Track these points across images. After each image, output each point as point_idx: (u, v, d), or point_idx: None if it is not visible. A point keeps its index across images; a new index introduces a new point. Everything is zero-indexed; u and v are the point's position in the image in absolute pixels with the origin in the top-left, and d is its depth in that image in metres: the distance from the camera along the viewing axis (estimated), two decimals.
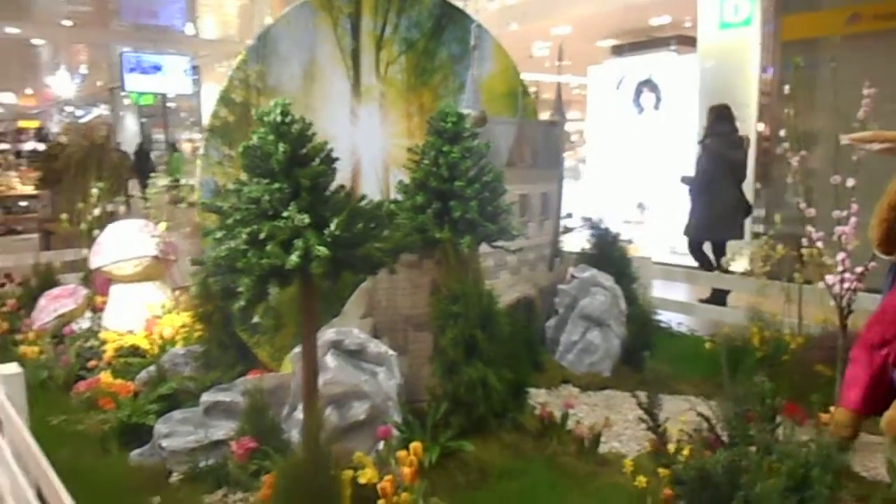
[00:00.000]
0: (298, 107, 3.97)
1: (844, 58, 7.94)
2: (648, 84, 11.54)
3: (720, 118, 6.08)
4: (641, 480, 2.62)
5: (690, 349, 5.05)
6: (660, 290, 6.59)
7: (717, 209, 5.65)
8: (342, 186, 2.66)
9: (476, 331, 3.40)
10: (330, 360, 3.48)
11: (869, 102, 2.60)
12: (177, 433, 3.40)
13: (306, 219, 2.38)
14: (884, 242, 2.17)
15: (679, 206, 10.66)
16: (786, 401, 3.38)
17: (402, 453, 2.76)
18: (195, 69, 18.29)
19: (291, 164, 2.52)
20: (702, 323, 6.00)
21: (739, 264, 4.46)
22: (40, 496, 2.39)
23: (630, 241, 11.80)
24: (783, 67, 8.65)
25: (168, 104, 19.96)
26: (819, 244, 2.97)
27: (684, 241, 10.77)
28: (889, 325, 2.15)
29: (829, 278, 2.89)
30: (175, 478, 3.26)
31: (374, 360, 3.54)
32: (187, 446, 3.31)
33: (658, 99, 11.47)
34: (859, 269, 2.79)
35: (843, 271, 2.80)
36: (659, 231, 11.50)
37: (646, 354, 4.32)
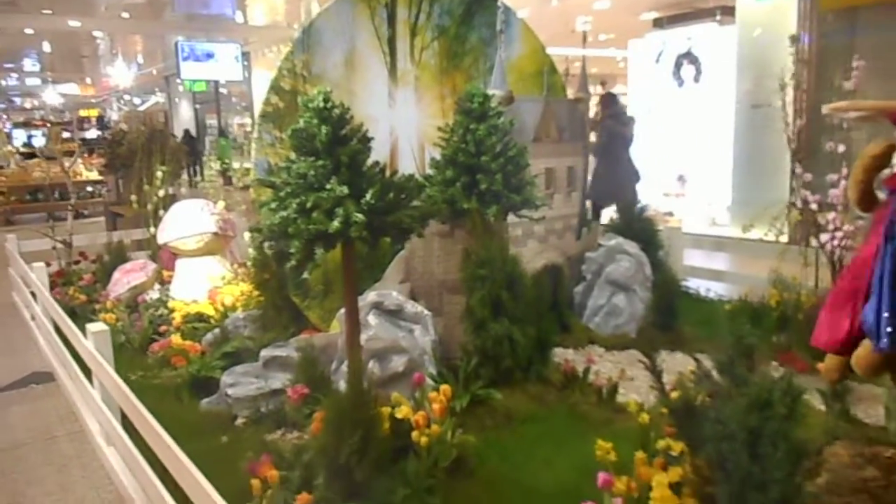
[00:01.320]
0: (341, 92, 4.41)
1: (885, 25, 7.93)
2: (688, 56, 11.58)
3: (612, 102, 6.60)
4: (644, 417, 2.96)
5: (714, 313, 5.31)
6: (698, 259, 6.86)
7: (615, 178, 6.24)
8: (377, 162, 3.03)
9: (502, 291, 3.76)
10: (372, 318, 3.90)
11: (858, 74, 2.81)
12: (240, 383, 3.87)
13: (345, 190, 2.77)
14: (861, 202, 2.41)
15: (719, 179, 10.80)
16: (786, 351, 3.67)
17: (433, 394, 3.15)
18: (245, 56, 18.92)
19: (333, 143, 2.91)
20: (732, 289, 6.23)
21: (758, 230, 4.69)
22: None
23: (671, 213, 11.97)
24: (821, 36, 8.64)
25: (220, 90, 20.71)
26: (813, 206, 3.21)
27: (724, 212, 10.88)
28: (859, 270, 2.39)
29: (823, 237, 3.12)
30: (239, 421, 3.73)
31: (411, 319, 3.94)
32: (249, 394, 3.78)
33: (698, 71, 11.50)
34: (848, 228, 3.02)
35: (834, 230, 3.03)
36: (699, 202, 11.61)
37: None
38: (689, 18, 11.83)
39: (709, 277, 6.22)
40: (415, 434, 2.92)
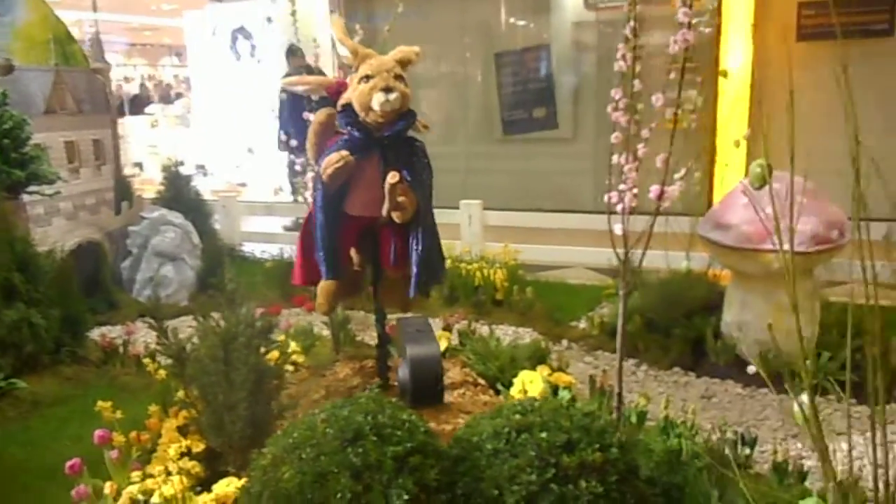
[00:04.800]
0: None
1: None
2: (242, 31, 11.86)
3: (292, 54, 7.14)
4: (161, 374, 3.16)
5: (258, 272, 5.72)
6: (256, 225, 7.29)
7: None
8: None
9: (13, 275, 3.54)
10: None
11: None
12: None
13: None
14: (316, 158, 2.89)
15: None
16: (299, 296, 4.23)
17: None
18: None
19: None
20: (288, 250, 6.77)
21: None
22: None
23: (244, 184, 12.29)
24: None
25: None
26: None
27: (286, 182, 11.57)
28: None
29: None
30: None
31: None
32: None
33: (253, 46, 11.88)
34: None
35: None
36: (266, 172, 12.13)
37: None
38: None
39: (262, 241, 6.66)
40: None
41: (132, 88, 19.14)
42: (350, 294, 3.07)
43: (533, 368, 3.24)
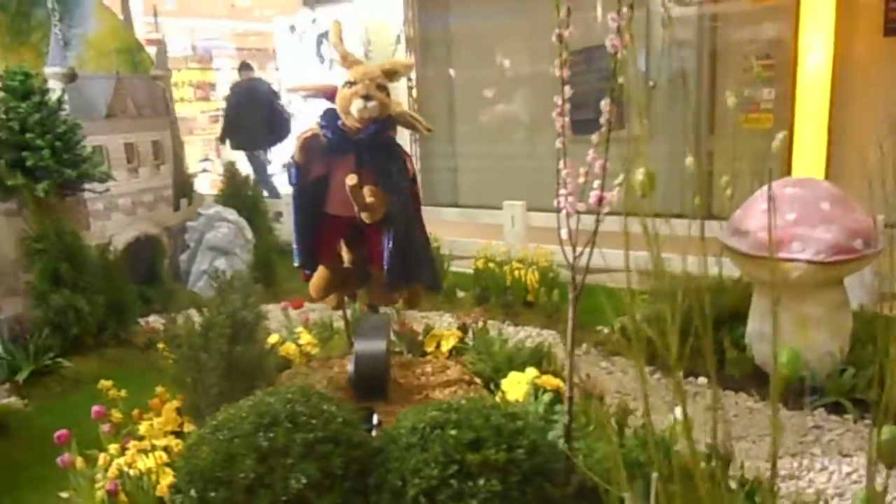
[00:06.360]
0: None
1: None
2: (327, 36, 12.31)
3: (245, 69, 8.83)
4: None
5: None
6: None
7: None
8: None
9: (61, 264, 3.91)
10: None
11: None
12: None
13: None
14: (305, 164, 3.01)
15: None
16: None
17: None
18: None
19: None
20: None
21: None
22: None
23: None
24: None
25: None
26: None
27: None
28: None
29: None
30: None
31: None
32: None
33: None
34: None
35: None
36: None
37: None
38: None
39: None
40: None
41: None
42: (341, 288, 3.21)
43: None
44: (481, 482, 1.81)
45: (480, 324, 4.15)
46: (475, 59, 9.47)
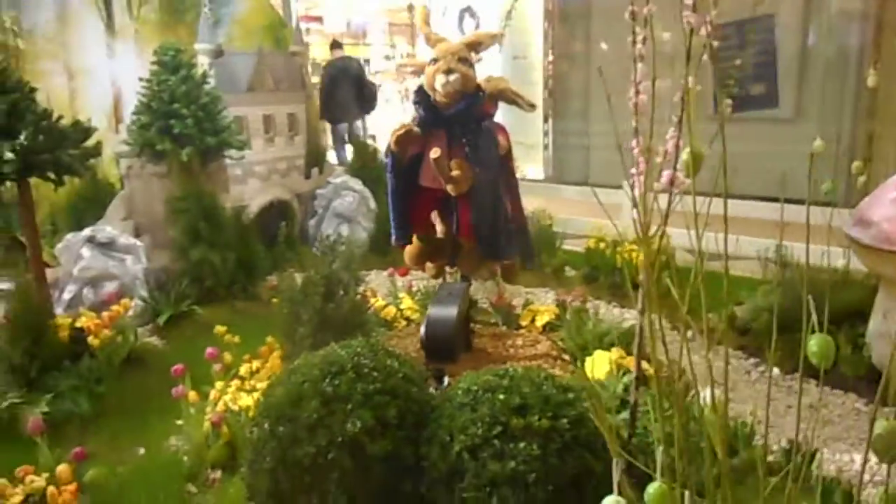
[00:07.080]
0: (54, 45, 4.74)
1: None
2: (469, 10, 12.46)
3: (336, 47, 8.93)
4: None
5: None
6: None
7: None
8: (45, 110, 3.47)
9: (199, 222, 4.37)
10: (85, 251, 4.38)
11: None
12: None
13: None
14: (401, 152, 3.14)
15: None
16: None
17: (115, 307, 3.74)
18: None
19: None
20: None
21: None
22: None
23: None
24: None
25: None
26: None
27: None
28: None
29: None
30: None
31: (123, 250, 4.46)
32: None
33: (478, 26, 12.43)
34: None
35: None
36: None
37: None
38: None
39: None
40: (90, 338, 3.50)
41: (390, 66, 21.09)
42: (433, 258, 3.35)
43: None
44: (522, 445, 1.89)
45: (579, 302, 4.17)
46: (616, 32, 9.23)
